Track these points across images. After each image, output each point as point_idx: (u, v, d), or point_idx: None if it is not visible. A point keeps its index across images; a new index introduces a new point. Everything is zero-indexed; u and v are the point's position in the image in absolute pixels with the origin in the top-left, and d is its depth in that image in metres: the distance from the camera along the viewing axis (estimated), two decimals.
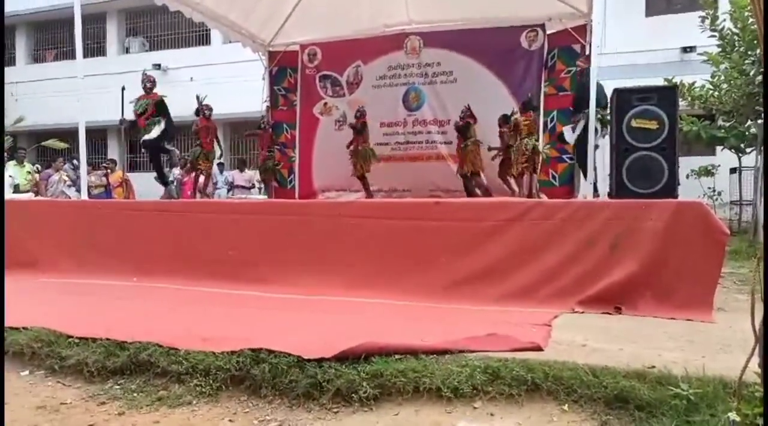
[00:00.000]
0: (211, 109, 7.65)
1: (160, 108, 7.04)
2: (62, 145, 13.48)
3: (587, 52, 7.00)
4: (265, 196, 9.20)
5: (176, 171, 12.47)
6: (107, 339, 2.98)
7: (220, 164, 14.07)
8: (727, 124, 7.71)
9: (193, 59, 15.36)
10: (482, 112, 7.74)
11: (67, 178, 10.15)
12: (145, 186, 8.09)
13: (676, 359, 2.52)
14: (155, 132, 7.02)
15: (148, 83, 7.14)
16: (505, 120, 6.97)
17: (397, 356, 2.62)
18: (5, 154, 9.85)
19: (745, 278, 4.70)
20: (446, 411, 2.36)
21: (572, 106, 7.01)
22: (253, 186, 12.29)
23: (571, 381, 2.36)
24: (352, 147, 7.71)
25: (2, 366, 2.79)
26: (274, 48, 8.87)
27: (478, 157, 7.13)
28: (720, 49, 7.63)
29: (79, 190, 7.23)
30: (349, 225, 4.51)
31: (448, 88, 8.11)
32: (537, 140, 6.64)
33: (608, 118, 4.98)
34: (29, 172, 10.26)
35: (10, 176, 9.45)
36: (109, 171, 11.36)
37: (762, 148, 6.94)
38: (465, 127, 7.23)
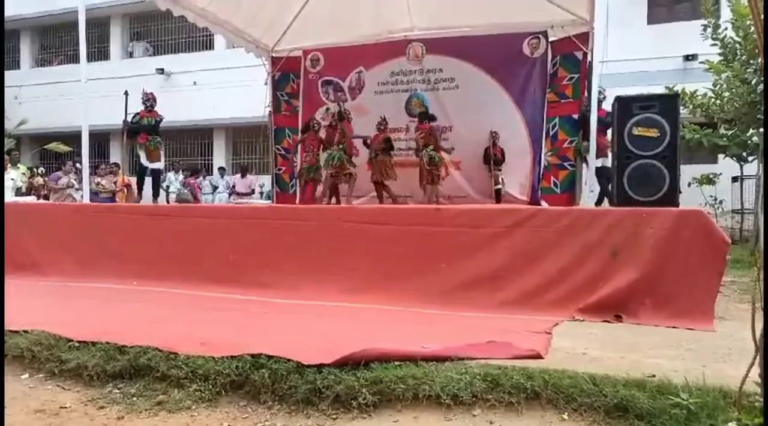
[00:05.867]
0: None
1: (156, 128, 7.47)
2: (65, 148, 13.51)
3: (589, 60, 7.02)
4: (269, 202, 9.20)
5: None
6: (107, 343, 2.98)
7: (221, 169, 14.15)
8: (729, 133, 7.72)
9: (196, 64, 15.36)
10: (484, 119, 7.78)
11: (75, 182, 10.16)
12: (148, 189, 8.11)
13: (677, 368, 2.52)
14: (162, 162, 7.66)
15: (148, 102, 7.47)
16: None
17: (396, 363, 2.62)
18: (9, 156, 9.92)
19: (747, 287, 4.69)
20: (445, 418, 2.36)
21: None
22: (253, 192, 12.35)
23: (570, 389, 2.35)
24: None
25: (2, 369, 2.79)
26: (277, 53, 8.89)
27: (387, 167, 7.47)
28: (722, 58, 7.65)
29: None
30: (350, 230, 4.51)
31: (450, 95, 8.14)
32: (433, 150, 7.19)
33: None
34: (23, 174, 10.31)
35: (12, 179, 9.48)
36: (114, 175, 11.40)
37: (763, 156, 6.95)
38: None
